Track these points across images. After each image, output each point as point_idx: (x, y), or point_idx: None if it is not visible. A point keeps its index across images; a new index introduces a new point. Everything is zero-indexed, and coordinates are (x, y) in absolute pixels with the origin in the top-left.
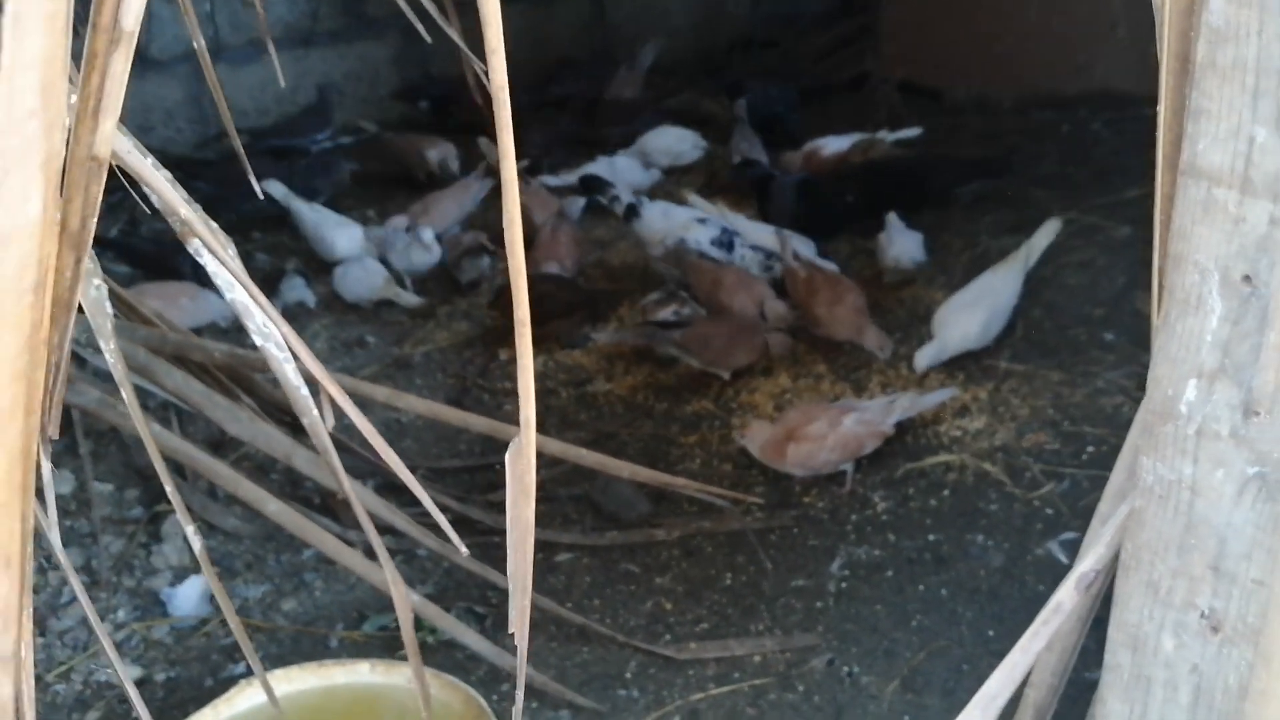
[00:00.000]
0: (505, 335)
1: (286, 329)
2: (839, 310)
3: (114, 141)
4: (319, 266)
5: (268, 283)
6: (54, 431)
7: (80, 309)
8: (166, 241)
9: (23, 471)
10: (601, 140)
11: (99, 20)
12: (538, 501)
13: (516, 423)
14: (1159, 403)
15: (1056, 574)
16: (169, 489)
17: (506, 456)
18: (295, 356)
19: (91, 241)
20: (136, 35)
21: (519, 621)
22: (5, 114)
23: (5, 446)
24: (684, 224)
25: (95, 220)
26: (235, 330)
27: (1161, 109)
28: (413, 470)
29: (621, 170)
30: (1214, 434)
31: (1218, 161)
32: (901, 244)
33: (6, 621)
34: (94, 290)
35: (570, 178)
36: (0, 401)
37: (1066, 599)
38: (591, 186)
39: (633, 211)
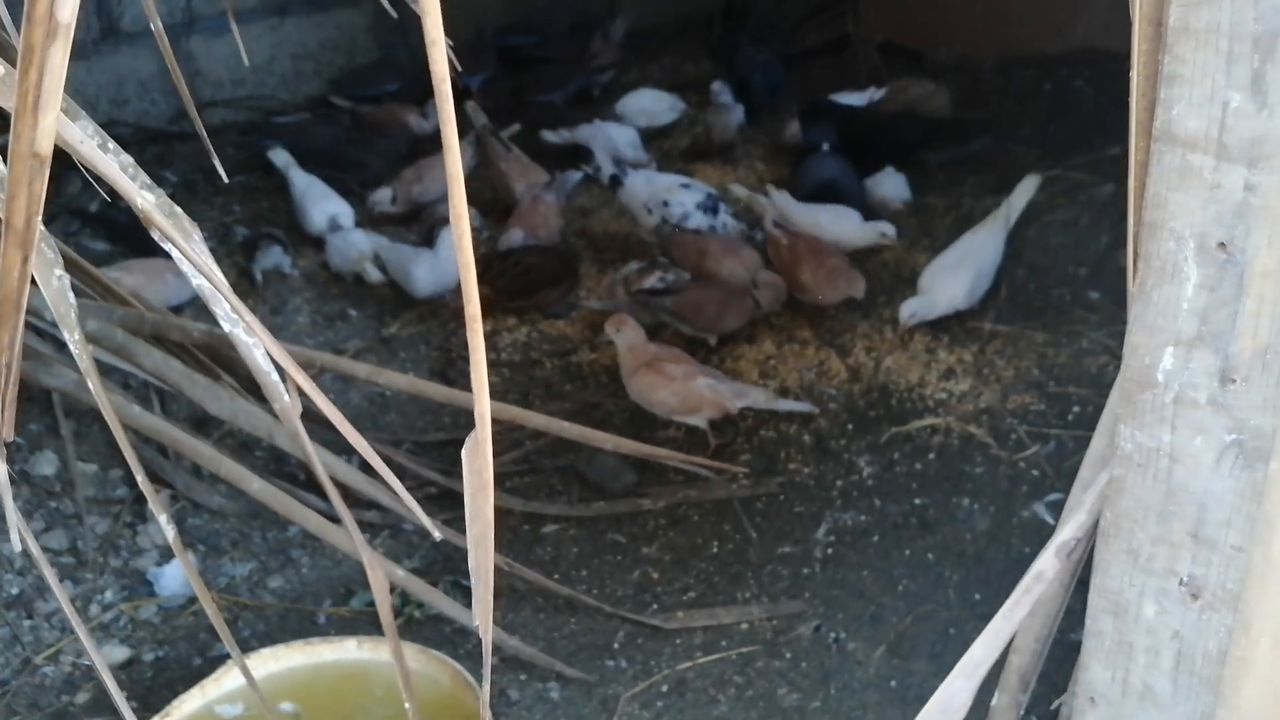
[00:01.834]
0: (490, 306)
1: (250, 318)
2: (822, 274)
3: (66, 132)
4: (302, 238)
5: (248, 253)
6: (8, 433)
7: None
8: None
9: None
10: (534, 106)
11: (34, 13)
12: (524, 473)
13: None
14: (1136, 371)
15: (1042, 536)
16: (139, 478)
17: (463, 452)
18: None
19: (36, 240)
20: (73, 27)
21: (483, 615)
22: None
23: None
24: (668, 188)
25: (40, 218)
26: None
27: (1134, 74)
28: (397, 444)
29: (615, 137)
30: (1192, 401)
31: (1193, 127)
32: (887, 185)
33: None
34: (56, 281)
35: (569, 135)
36: None
37: (1048, 567)
38: (577, 157)
39: (617, 181)
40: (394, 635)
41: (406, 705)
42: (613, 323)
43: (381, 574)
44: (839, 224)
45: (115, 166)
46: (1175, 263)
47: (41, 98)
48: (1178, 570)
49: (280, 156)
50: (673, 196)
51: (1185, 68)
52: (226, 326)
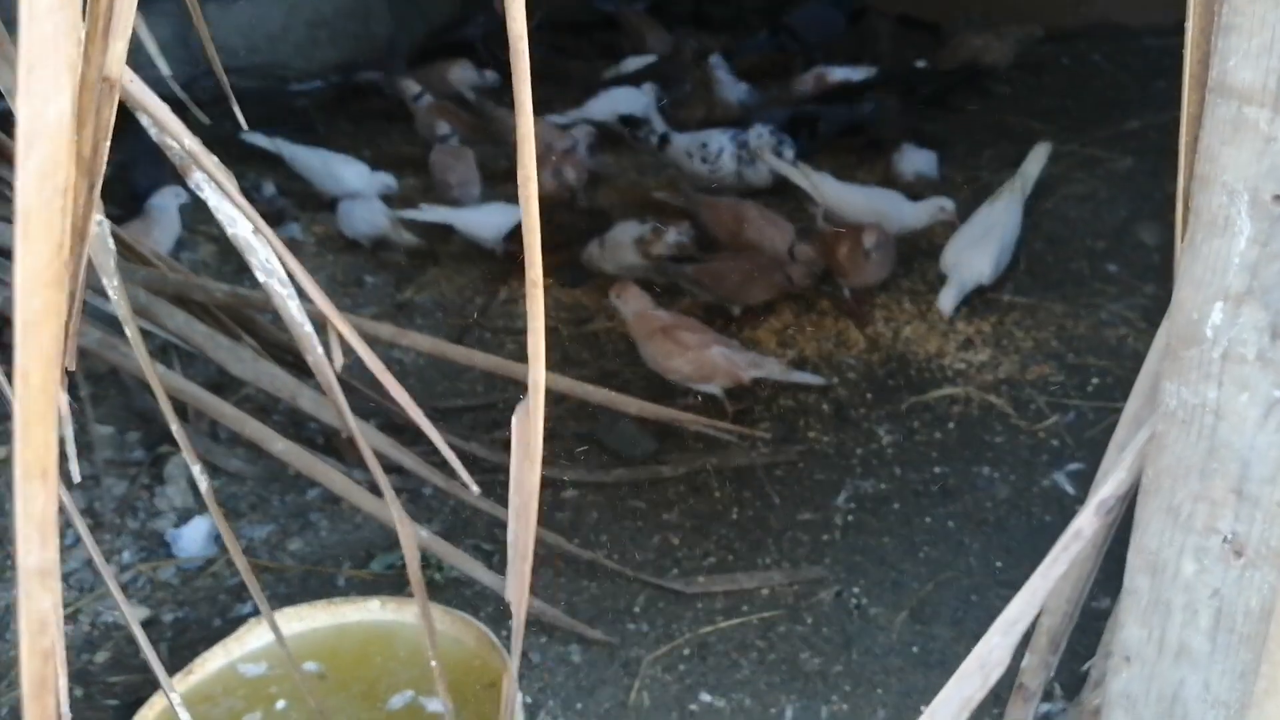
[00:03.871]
0: (506, 273)
1: (293, 262)
2: (864, 258)
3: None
4: (315, 206)
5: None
6: (70, 362)
7: None
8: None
9: (55, 380)
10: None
11: None
12: (544, 439)
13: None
14: (1183, 326)
15: (1062, 505)
16: (174, 427)
17: (513, 419)
18: (301, 293)
19: (103, 169)
20: None
21: (518, 588)
22: (28, 4)
23: (40, 354)
24: (706, 134)
25: (108, 146)
26: (230, 277)
27: (1190, 26)
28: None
29: (626, 99)
30: (1240, 357)
31: (1249, 79)
32: (917, 160)
33: (45, 534)
34: (96, 225)
35: (576, 114)
36: (33, 306)
37: (1087, 525)
38: (628, 124)
39: (665, 140)
40: (421, 590)
41: (432, 662)
42: (616, 289)
43: (411, 531)
44: (888, 207)
45: (165, 107)
46: (1227, 216)
47: (111, 24)
48: (1219, 528)
49: (259, 139)
50: (709, 138)
51: (1243, 19)
52: (261, 276)
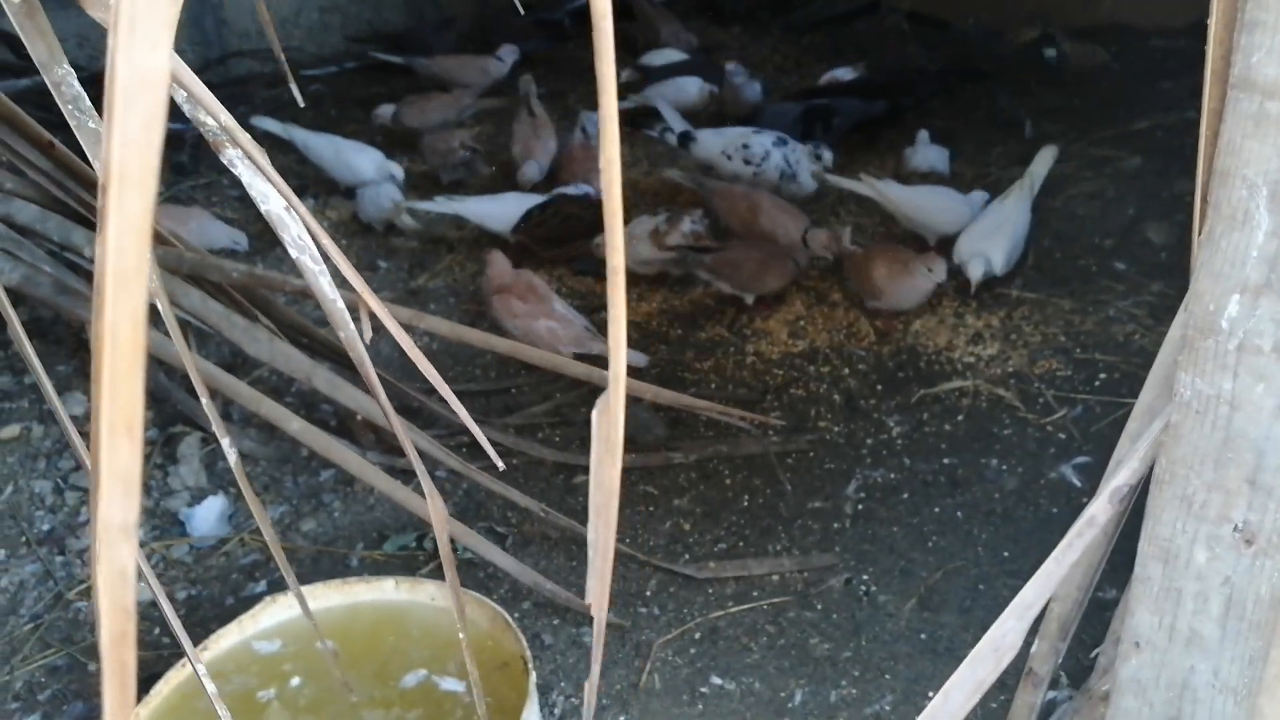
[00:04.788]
0: (519, 261)
1: (326, 240)
2: (902, 279)
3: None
4: (329, 190)
5: None
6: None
7: None
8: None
9: (142, 335)
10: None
11: None
12: (555, 425)
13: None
14: (1200, 318)
15: (1070, 497)
16: (204, 401)
17: (594, 413)
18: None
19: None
20: None
21: (599, 591)
22: None
23: (129, 308)
24: (741, 134)
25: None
26: (245, 257)
27: (1212, 22)
28: (428, 395)
29: (681, 88)
30: (1256, 349)
31: (1272, 74)
32: (930, 156)
33: (129, 489)
34: None
35: (636, 98)
36: (127, 260)
37: (1100, 512)
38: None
39: (688, 138)
40: (452, 567)
41: (460, 636)
42: (487, 254)
43: (442, 509)
44: (942, 204)
45: (199, 82)
46: (1246, 210)
47: None
48: (1232, 517)
49: (270, 124)
50: (750, 139)
51: (1267, 14)
52: (294, 252)
